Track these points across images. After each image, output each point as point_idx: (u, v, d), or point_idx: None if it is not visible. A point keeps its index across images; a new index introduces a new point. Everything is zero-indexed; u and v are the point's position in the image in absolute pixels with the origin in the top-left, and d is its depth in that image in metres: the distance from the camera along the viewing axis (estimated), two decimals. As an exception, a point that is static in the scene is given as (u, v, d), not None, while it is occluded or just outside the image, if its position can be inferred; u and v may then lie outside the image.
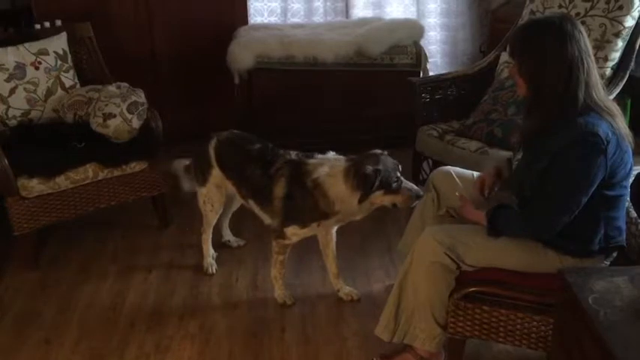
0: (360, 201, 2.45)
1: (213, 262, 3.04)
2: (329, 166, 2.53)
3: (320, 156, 2.61)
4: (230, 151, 2.81)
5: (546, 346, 2.08)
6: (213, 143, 2.84)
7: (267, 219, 2.74)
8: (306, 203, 2.53)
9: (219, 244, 3.17)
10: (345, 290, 2.81)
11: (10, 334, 2.65)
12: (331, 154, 2.62)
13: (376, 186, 2.42)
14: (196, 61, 4.34)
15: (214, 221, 2.98)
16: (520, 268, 2.11)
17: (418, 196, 2.48)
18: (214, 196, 2.89)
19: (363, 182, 2.42)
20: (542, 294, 2.05)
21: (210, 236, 3.02)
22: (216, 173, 2.84)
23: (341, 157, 2.58)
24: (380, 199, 2.47)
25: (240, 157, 2.76)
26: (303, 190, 2.53)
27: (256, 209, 2.78)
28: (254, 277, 3.00)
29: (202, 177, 2.88)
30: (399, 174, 2.48)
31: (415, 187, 2.49)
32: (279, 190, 2.59)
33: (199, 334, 2.62)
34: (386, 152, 2.55)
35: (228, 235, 3.23)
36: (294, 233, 2.63)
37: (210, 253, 3.05)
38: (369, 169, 2.41)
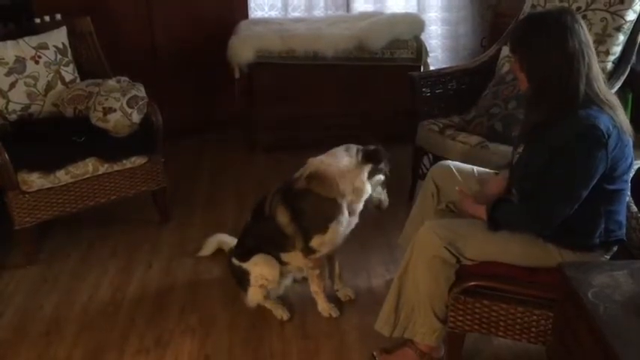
0: (370, 176, 2.48)
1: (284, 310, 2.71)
2: (319, 159, 2.51)
3: None
4: (239, 241, 2.75)
5: (546, 340, 2.08)
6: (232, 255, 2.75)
7: (300, 260, 2.63)
8: (311, 205, 2.46)
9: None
10: (344, 291, 2.80)
11: (11, 327, 2.66)
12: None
13: (384, 162, 2.48)
14: (197, 56, 4.34)
15: (278, 290, 2.75)
16: (520, 262, 2.11)
17: (381, 207, 2.60)
18: (263, 271, 2.63)
19: (371, 156, 2.46)
20: (542, 288, 2.04)
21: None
22: (245, 264, 2.66)
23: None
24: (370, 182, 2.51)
25: (248, 236, 2.68)
26: (301, 196, 2.47)
27: (289, 258, 2.63)
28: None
29: (243, 279, 2.69)
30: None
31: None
32: (283, 217, 2.51)
33: (199, 328, 2.63)
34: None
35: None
36: (321, 243, 2.52)
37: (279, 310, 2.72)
38: (375, 147, 2.48)
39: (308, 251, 2.56)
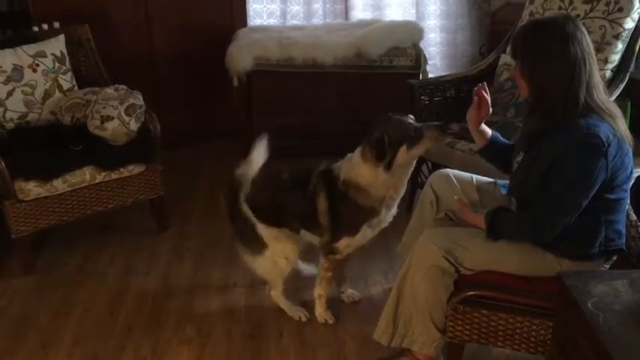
0: (388, 168, 2.34)
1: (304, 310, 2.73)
2: (347, 161, 2.48)
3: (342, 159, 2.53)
4: (264, 195, 2.59)
5: (545, 350, 2.07)
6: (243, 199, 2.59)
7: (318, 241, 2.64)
8: (348, 209, 2.45)
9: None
10: (348, 292, 2.81)
11: (7, 337, 2.64)
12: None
13: (392, 145, 2.31)
14: (195, 64, 4.34)
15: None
16: (519, 272, 2.10)
17: (443, 130, 2.36)
18: (284, 248, 2.61)
19: (376, 150, 2.32)
20: (542, 298, 2.03)
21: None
22: (264, 230, 2.60)
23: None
24: (407, 155, 2.34)
25: (278, 196, 2.58)
26: (341, 196, 2.46)
27: (310, 237, 2.63)
28: (252, 280, 2.99)
29: (255, 244, 2.62)
30: (412, 121, 2.37)
31: (435, 122, 2.33)
32: (322, 204, 2.49)
33: (196, 338, 2.61)
34: (390, 113, 2.44)
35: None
36: (347, 245, 2.53)
37: (295, 307, 2.74)
38: (374, 135, 2.32)
39: (330, 250, 2.55)
